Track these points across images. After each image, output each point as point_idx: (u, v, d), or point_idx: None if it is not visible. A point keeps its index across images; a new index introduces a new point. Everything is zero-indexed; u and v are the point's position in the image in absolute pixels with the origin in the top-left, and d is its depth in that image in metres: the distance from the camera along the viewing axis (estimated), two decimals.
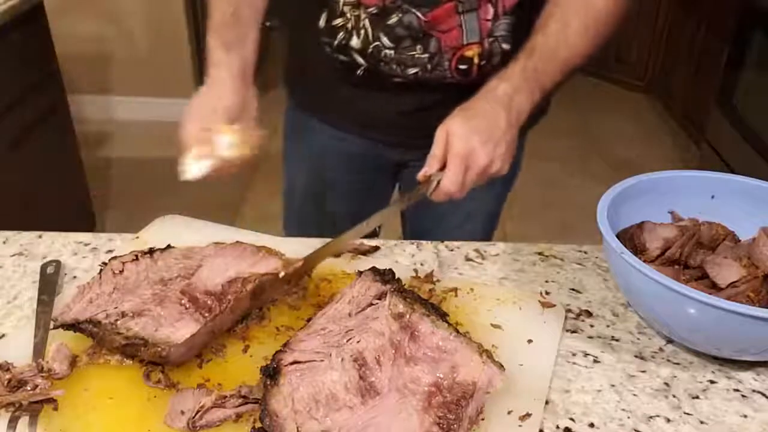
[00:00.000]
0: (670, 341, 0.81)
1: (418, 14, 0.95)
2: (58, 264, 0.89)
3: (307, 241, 0.95)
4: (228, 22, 0.97)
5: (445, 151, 0.84)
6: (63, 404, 0.68)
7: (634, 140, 3.55)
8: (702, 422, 0.70)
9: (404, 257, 0.95)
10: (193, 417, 0.65)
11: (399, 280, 0.79)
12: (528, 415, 0.68)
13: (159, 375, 0.71)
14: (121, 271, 0.81)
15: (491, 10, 0.96)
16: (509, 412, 0.68)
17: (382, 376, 0.66)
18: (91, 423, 0.66)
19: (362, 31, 0.99)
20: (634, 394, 0.73)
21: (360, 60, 1.02)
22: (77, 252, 0.95)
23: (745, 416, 0.71)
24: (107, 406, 0.68)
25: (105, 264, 0.82)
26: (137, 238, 0.96)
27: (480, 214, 1.25)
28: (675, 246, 0.84)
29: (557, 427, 0.69)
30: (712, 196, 0.90)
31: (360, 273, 0.79)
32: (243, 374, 0.72)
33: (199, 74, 3.49)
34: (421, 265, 0.93)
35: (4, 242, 0.97)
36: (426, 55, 0.98)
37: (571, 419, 0.70)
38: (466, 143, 0.83)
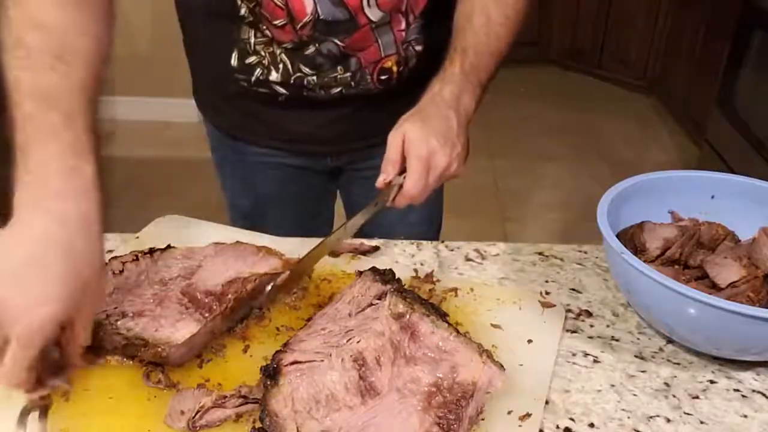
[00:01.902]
0: (670, 341, 0.81)
1: (337, 42, 0.95)
2: None
3: (307, 241, 0.95)
4: (67, 92, 0.66)
5: (402, 155, 0.84)
6: (63, 404, 0.68)
7: (634, 140, 3.55)
8: (702, 422, 0.70)
9: (404, 257, 0.95)
10: (193, 417, 0.65)
11: (399, 280, 0.79)
12: (528, 415, 0.68)
13: (159, 375, 0.71)
14: (121, 271, 0.81)
15: (403, 21, 0.97)
16: (509, 412, 0.68)
17: (382, 376, 0.66)
18: (91, 423, 0.66)
19: (280, 65, 0.98)
20: (634, 394, 0.73)
21: (281, 90, 1.01)
22: None
23: (745, 416, 0.71)
24: (107, 406, 0.68)
25: (105, 264, 0.82)
26: (137, 238, 0.96)
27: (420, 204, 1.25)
28: (675, 246, 0.84)
29: (557, 427, 0.69)
30: (712, 196, 0.90)
31: (360, 273, 0.79)
32: (243, 374, 0.72)
33: None
34: (421, 265, 0.93)
35: None
36: (348, 74, 0.99)
37: (571, 419, 0.70)
38: (426, 145, 0.83)
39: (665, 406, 0.72)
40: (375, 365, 0.66)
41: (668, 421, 0.70)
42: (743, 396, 0.73)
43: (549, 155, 3.32)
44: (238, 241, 0.87)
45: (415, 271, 0.90)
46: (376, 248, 0.95)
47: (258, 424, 0.64)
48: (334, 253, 0.92)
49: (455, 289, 0.86)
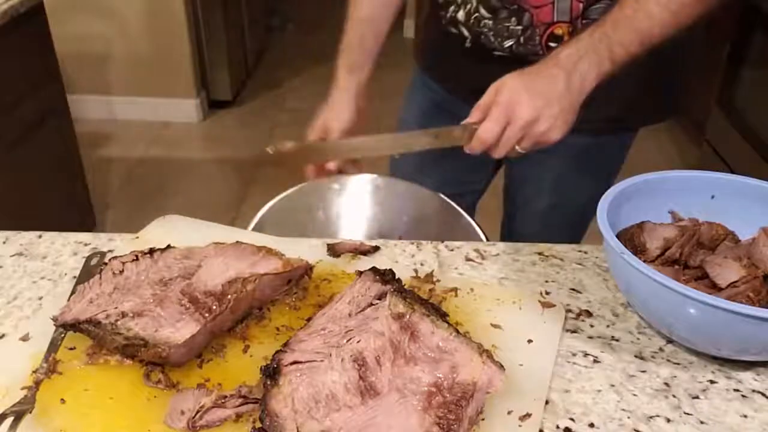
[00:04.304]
0: (670, 341, 0.81)
1: None
2: (102, 256, 0.90)
3: (307, 241, 0.96)
4: (354, 46, 1.17)
5: (492, 102, 0.85)
6: (63, 404, 0.68)
7: (634, 140, 3.54)
8: (702, 422, 0.70)
9: (404, 257, 0.95)
10: (193, 417, 0.65)
11: (399, 280, 0.79)
12: (528, 415, 0.68)
13: (159, 375, 0.71)
14: (121, 271, 0.81)
15: None
16: (509, 412, 0.68)
17: (382, 376, 0.66)
18: (92, 423, 0.66)
19: (468, 5, 1.08)
20: (634, 394, 0.73)
21: (465, 32, 1.11)
22: (77, 252, 0.95)
23: (745, 416, 0.71)
24: (107, 406, 0.68)
25: (105, 264, 0.82)
26: (137, 238, 0.96)
27: (564, 207, 1.28)
28: (675, 246, 0.84)
29: (557, 427, 0.69)
30: (712, 196, 0.90)
31: (360, 273, 0.79)
32: (243, 374, 0.72)
33: (200, 74, 3.50)
34: (421, 265, 0.93)
35: (4, 242, 0.97)
36: (519, 28, 1.03)
37: (571, 419, 0.70)
38: (514, 95, 0.83)
39: (665, 406, 0.72)
40: (375, 365, 0.66)
41: (668, 421, 0.70)
42: (743, 396, 0.73)
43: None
44: (238, 241, 0.87)
45: (415, 271, 0.90)
46: (376, 248, 0.95)
47: (258, 424, 0.64)
48: (334, 253, 0.92)
49: (455, 289, 0.86)
